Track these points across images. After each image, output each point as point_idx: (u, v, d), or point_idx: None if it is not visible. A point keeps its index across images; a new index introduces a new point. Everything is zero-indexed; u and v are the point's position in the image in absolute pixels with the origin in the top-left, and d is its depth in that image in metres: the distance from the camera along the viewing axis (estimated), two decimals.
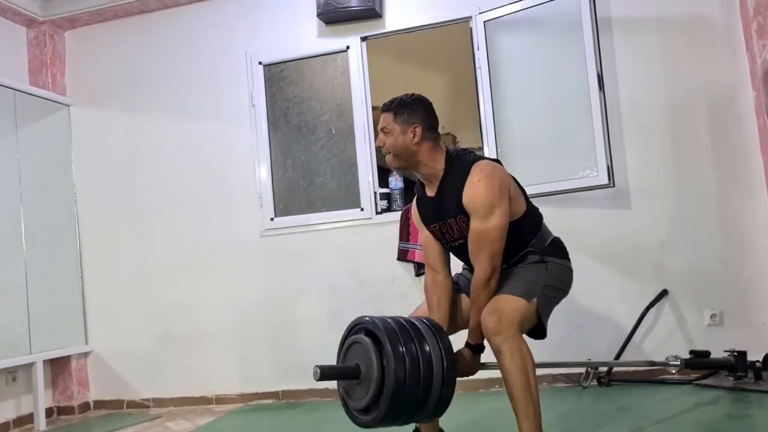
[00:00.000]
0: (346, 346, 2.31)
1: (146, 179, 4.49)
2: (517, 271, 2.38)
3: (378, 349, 2.13)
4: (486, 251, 2.28)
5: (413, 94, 2.47)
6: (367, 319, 2.24)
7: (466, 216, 2.33)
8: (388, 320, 2.22)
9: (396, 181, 4.11)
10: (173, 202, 4.43)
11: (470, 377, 2.42)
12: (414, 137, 2.38)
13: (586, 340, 3.71)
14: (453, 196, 2.35)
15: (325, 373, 2.16)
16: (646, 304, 3.66)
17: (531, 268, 2.38)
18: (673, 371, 3.19)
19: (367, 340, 2.18)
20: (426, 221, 2.51)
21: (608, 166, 3.57)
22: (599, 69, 3.59)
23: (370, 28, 4.16)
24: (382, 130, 2.43)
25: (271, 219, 4.25)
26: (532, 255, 2.40)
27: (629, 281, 3.73)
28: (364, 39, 4.18)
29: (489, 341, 2.24)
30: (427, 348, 2.15)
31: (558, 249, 2.46)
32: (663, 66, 3.76)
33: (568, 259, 2.48)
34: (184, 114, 4.45)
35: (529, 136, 3.85)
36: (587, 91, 3.62)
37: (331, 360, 4.14)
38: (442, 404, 2.19)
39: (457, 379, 2.25)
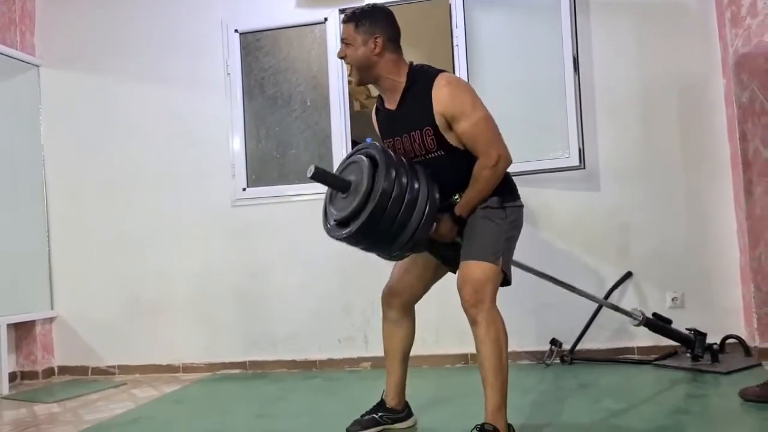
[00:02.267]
0: (345, 163, 2.37)
1: (117, 145, 4.42)
2: (478, 222, 2.35)
3: (373, 171, 2.21)
4: (483, 143, 2.29)
5: (374, 4, 2.43)
6: (374, 144, 2.31)
7: (434, 128, 2.31)
8: (392, 153, 2.30)
9: None
10: (144, 168, 4.37)
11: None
12: (375, 48, 2.36)
13: (550, 319, 3.78)
14: (417, 107, 2.33)
15: (318, 173, 2.22)
16: (611, 285, 3.74)
17: (492, 219, 2.34)
18: (634, 324, 3.32)
19: (365, 160, 2.25)
20: (383, 134, 2.52)
21: (580, 148, 3.62)
22: (575, 51, 3.62)
23: (350, 1, 4.12)
24: (343, 41, 2.40)
25: (243, 189, 4.23)
26: (491, 197, 2.36)
27: (595, 262, 3.80)
28: (342, 11, 4.14)
29: (466, 312, 2.28)
30: (417, 186, 2.23)
31: (511, 188, 2.46)
32: (638, 51, 3.80)
33: (519, 196, 2.48)
34: (158, 80, 4.37)
35: (503, 115, 3.77)
36: (562, 72, 3.65)
37: (302, 332, 4.19)
38: (413, 242, 2.26)
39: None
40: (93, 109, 4.46)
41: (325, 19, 4.15)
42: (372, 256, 3.95)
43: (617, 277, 3.75)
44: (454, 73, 3.93)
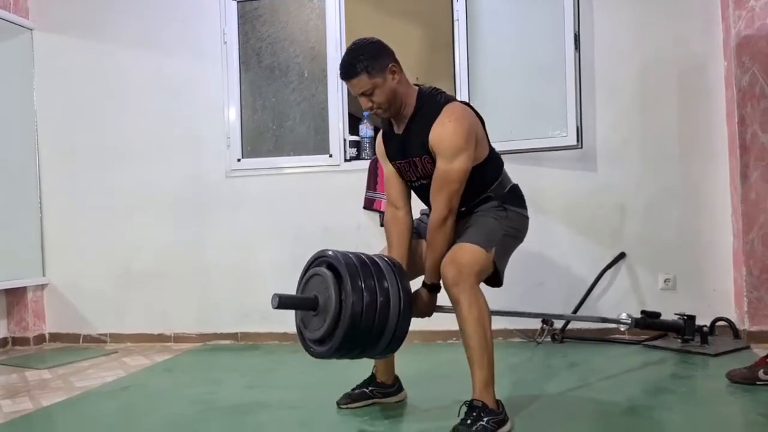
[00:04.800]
0: (306, 277, 2.34)
1: (111, 112, 4.37)
2: (477, 217, 2.40)
3: (337, 282, 2.16)
4: (445, 192, 2.28)
5: (361, 44, 2.32)
6: (330, 252, 2.26)
7: (431, 157, 2.33)
8: (350, 255, 2.25)
9: (366, 129, 4.09)
10: (138, 136, 4.33)
11: (427, 318, 2.47)
12: (394, 76, 2.32)
13: (543, 298, 3.80)
14: (420, 135, 2.33)
15: (283, 301, 2.17)
16: (604, 265, 3.75)
17: (491, 214, 2.39)
18: (623, 329, 3.30)
19: (327, 272, 2.20)
20: (390, 157, 2.50)
21: (578, 128, 3.60)
22: (577, 29, 3.58)
23: None
24: (362, 94, 2.32)
25: (238, 160, 4.20)
26: (492, 200, 2.41)
27: (589, 242, 3.81)
28: None
29: (447, 291, 2.28)
30: (386, 284, 2.19)
31: (517, 197, 2.49)
32: (639, 31, 3.77)
33: (526, 208, 2.51)
34: (153, 47, 4.31)
35: (502, 92, 3.85)
36: (563, 50, 3.61)
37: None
38: (396, 341, 2.25)
39: (415, 321, 2.32)
40: (87, 75, 4.40)
41: None
42: (363, 232, 3.98)
43: (610, 258, 3.75)
44: (453, 50, 3.90)
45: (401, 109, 2.38)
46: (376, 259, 2.28)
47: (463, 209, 2.39)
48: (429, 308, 2.42)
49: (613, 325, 3.70)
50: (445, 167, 2.28)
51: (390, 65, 2.32)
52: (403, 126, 2.41)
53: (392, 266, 2.27)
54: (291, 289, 4.07)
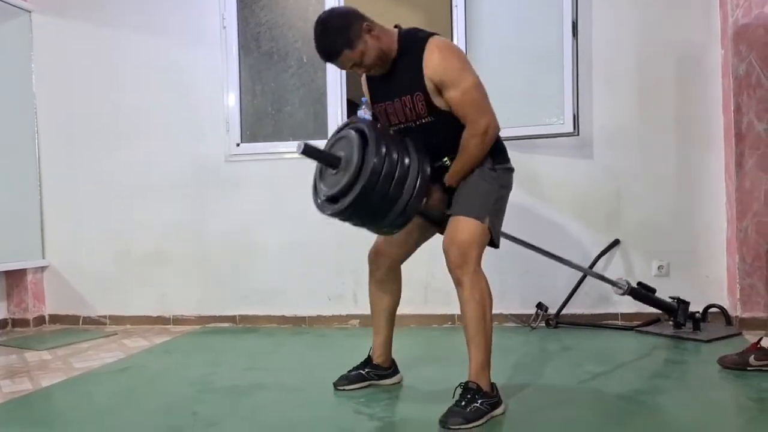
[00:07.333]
0: (334, 139, 2.38)
1: (111, 95, 4.37)
2: (470, 182, 2.37)
3: (363, 146, 2.21)
4: (472, 111, 2.28)
5: (328, 22, 2.32)
6: (362, 120, 2.32)
7: (424, 93, 2.31)
8: (381, 127, 2.30)
9: (365, 114, 4.10)
10: (138, 120, 4.34)
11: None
12: (373, 37, 2.31)
13: (537, 284, 3.83)
14: (409, 72, 2.32)
15: (308, 149, 2.22)
16: (599, 251, 3.78)
17: (483, 178, 2.36)
18: (619, 293, 3.39)
19: (354, 134, 2.25)
20: (374, 99, 2.51)
21: (574, 115, 3.62)
22: (575, 16, 3.59)
23: None
24: (354, 66, 2.33)
25: (237, 144, 4.21)
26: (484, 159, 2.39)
27: (584, 229, 3.84)
28: None
29: (451, 273, 2.31)
30: (407, 161, 2.23)
31: (502, 150, 2.46)
32: (637, 18, 3.77)
33: (509, 158, 2.48)
34: (152, 31, 4.30)
35: (500, 79, 3.82)
36: (561, 38, 3.62)
37: (292, 288, 4.22)
38: (403, 217, 2.28)
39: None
40: (86, 58, 4.40)
41: None
42: None
43: (605, 244, 3.79)
44: (452, 35, 3.90)
45: (389, 58, 2.37)
46: (405, 138, 2.32)
47: (453, 156, 2.37)
48: (440, 204, 2.40)
49: (607, 311, 3.78)
50: (459, 90, 2.27)
51: (363, 26, 2.30)
52: (387, 67, 2.39)
53: (418, 150, 2.29)
54: (290, 272, 4.14)
